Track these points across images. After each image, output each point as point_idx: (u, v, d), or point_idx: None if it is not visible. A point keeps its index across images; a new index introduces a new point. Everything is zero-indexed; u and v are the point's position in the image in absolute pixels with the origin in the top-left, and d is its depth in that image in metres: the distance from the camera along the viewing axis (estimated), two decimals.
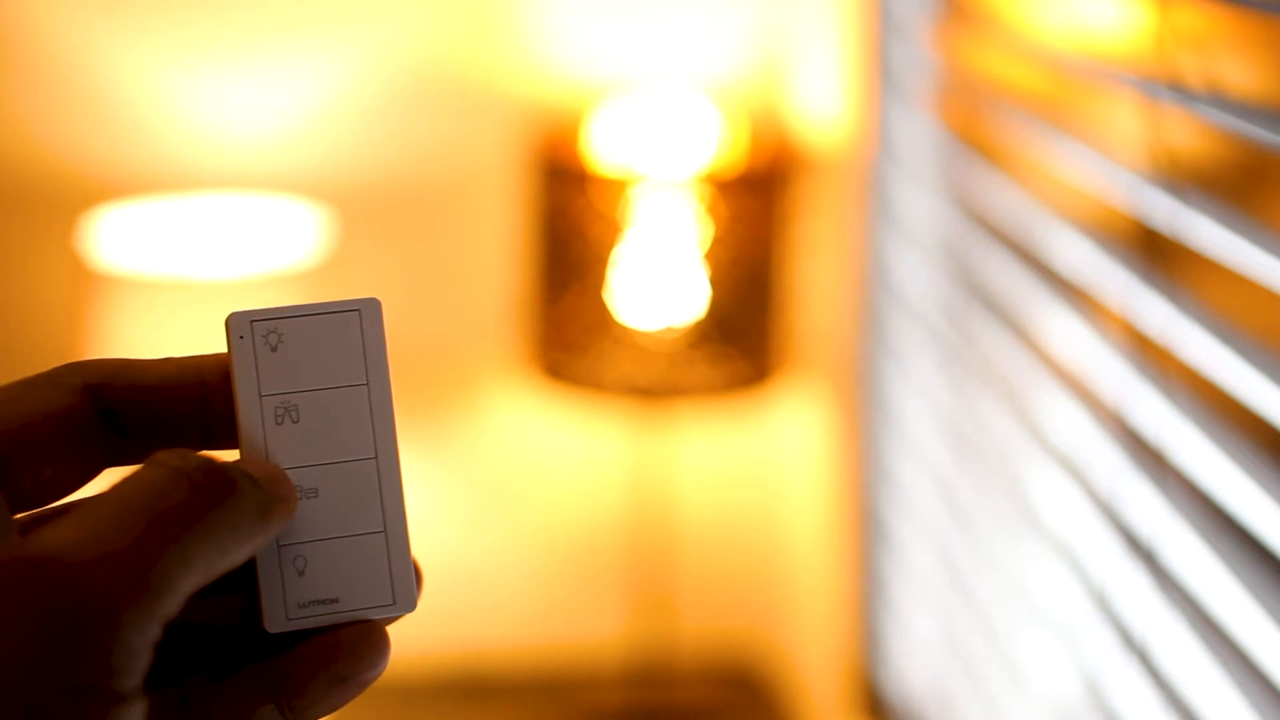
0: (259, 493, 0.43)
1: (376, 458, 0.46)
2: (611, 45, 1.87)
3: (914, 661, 1.52)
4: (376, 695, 1.93)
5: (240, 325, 0.45)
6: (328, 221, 1.82)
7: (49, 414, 0.44)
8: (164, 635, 0.41)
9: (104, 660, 0.38)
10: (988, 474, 1.30)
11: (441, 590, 1.97)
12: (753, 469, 2.02)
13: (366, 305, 0.46)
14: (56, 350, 1.81)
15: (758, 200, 1.75)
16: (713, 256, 1.74)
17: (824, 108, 1.71)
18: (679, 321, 1.75)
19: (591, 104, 1.82)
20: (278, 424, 0.45)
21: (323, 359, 0.46)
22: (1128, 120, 1.02)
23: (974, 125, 1.36)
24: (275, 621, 0.45)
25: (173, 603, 0.39)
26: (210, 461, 0.42)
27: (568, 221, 1.74)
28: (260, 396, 0.45)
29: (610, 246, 1.73)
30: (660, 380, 1.75)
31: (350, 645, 0.45)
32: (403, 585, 0.46)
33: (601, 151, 1.76)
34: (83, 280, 1.67)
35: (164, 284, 1.59)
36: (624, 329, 1.74)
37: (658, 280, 1.73)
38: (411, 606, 0.46)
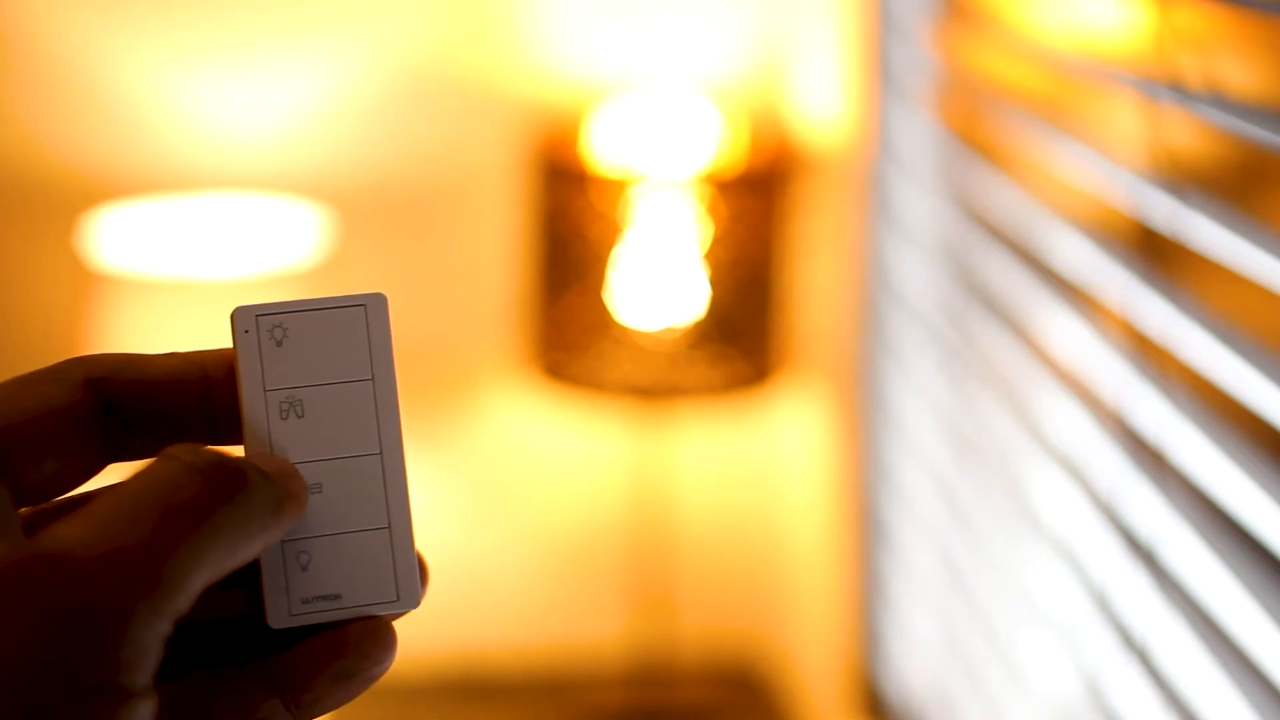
0: (271, 487, 0.42)
1: (381, 453, 0.46)
2: (611, 45, 1.87)
3: (914, 661, 1.52)
4: (376, 695, 1.92)
5: (245, 320, 0.45)
6: (328, 221, 1.82)
7: (51, 409, 0.44)
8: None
9: (113, 657, 0.38)
10: (988, 474, 1.30)
11: (441, 590, 1.97)
12: (753, 469, 2.02)
13: (372, 300, 0.46)
14: (56, 350, 1.81)
15: (758, 200, 1.75)
16: (713, 256, 1.74)
17: (824, 108, 1.71)
18: (679, 321, 1.75)
19: (591, 104, 1.82)
20: (282, 419, 0.45)
21: (328, 354, 0.46)
22: (1128, 120, 1.02)
23: (974, 125, 1.36)
24: (278, 617, 0.45)
25: (183, 599, 0.39)
26: (222, 456, 0.42)
27: (568, 221, 1.74)
28: (265, 391, 0.45)
29: (610, 246, 1.73)
30: (660, 380, 1.75)
31: (357, 641, 0.45)
32: (407, 581, 0.46)
33: (601, 151, 1.76)
34: (83, 280, 1.67)
35: (164, 284, 1.59)
36: (624, 329, 1.74)
37: (657, 280, 1.73)
38: (415, 603, 0.46)
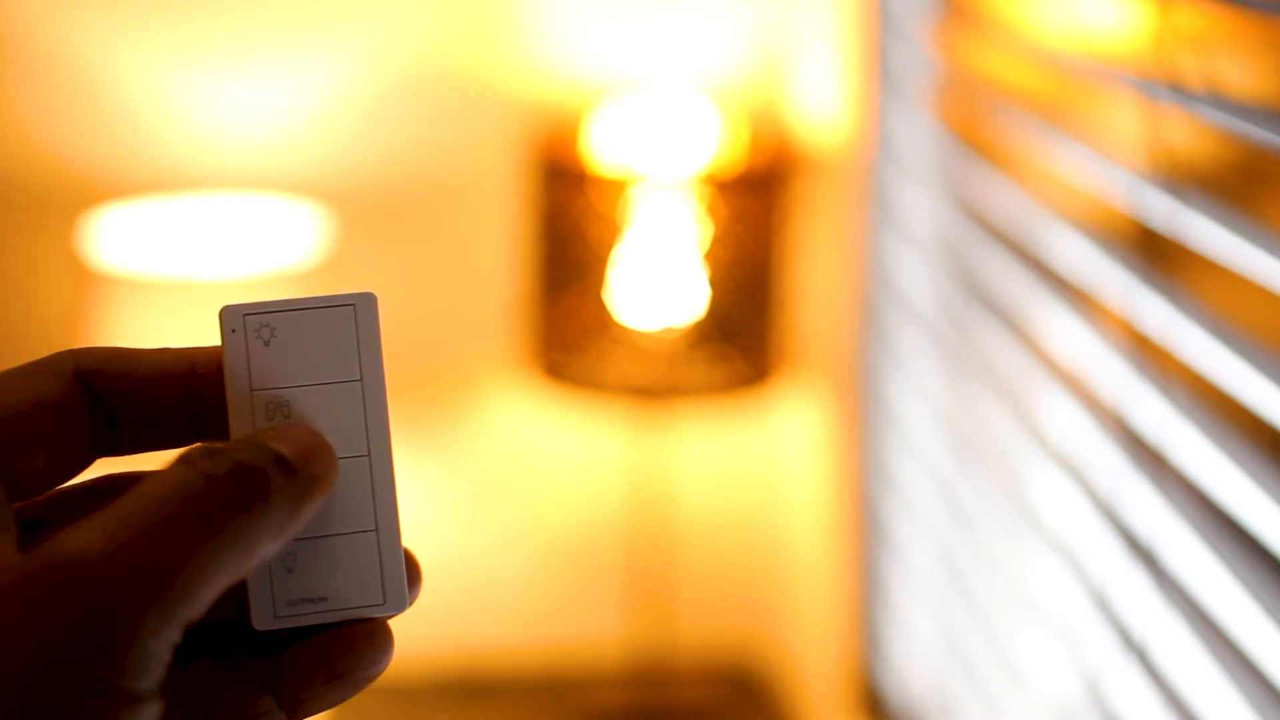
0: (293, 483, 0.42)
1: (369, 455, 0.45)
2: (611, 45, 1.87)
3: (914, 661, 1.52)
4: (376, 695, 1.92)
5: (233, 318, 0.45)
6: (328, 221, 1.82)
7: (42, 401, 0.43)
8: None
9: (119, 661, 0.38)
10: (988, 474, 1.30)
11: (441, 590, 1.97)
12: (753, 469, 2.02)
13: (362, 300, 0.45)
14: (56, 350, 1.80)
15: (757, 200, 1.75)
16: (712, 256, 1.74)
17: (824, 108, 1.71)
18: (679, 321, 1.75)
19: (591, 104, 1.82)
20: (269, 419, 0.45)
21: (316, 354, 0.45)
22: (1128, 120, 1.02)
23: (974, 125, 1.36)
24: (263, 619, 0.44)
25: (195, 607, 0.39)
26: (241, 461, 0.41)
27: (568, 221, 1.74)
28: (251, 391, 0.45)
29: (610, 246, 1.73)
30: (660, 380, 1.75)
31: (353, 643, 0.44)
32: (394, 585, 0.45)
33: (601, 151, 1.76)
34: (83, 280, 1.67)
35: (164, 284, 1.59)
36: (624, 329, 1.74)
37: (657, 280, 1.73)
38: (402, 607, 0.45)
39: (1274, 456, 0.85)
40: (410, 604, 0.45)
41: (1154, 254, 0.99)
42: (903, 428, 1.54)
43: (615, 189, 1.71)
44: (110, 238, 1.67)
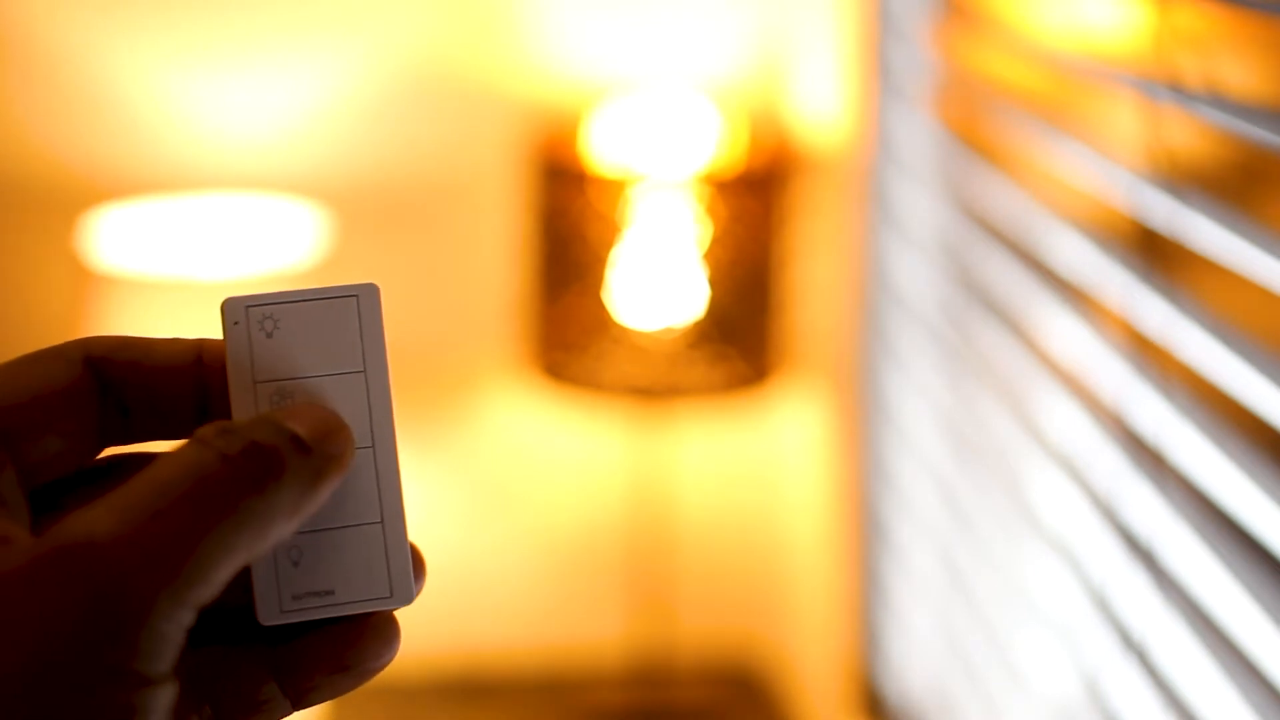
0: (308, 463, 0.42)
1: (374, 447, 0.45)
2: (611, 45, 1.87)
3: (914, 661, 1.52)
4: (376, 695, 1.91)
5: (235, 311, 0.45)
6: (327, 221, 1.82)
7: (54, 388, 0.43)
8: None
9: (131, 643, 0.38)
10: (988, 474, 1.30)
11: (441, 590, 1.97)
12: (753, 469, 2.02)
13: (365, 291, 0.45)
14: None
15: (757, 200, 1.75)
16: (712, 256, 1.74)
17: (824, 108, 1.71)
18: (678, 322, 1.75)
19: (591, 104, 1.82)
20: None
21: (319, 346, 0.45)
22: (1128, 120, 1.02)
23: (974, 125, 1.35)
24: (269, 614, 0.44)
25: (208, 589, 0.39)
26: (255, 439, 0.41)
27: (567, 221, 1.74)
28: (254, 383, 0.44)
29: (609, 246, 1.73)
30: (660, 380, 1.75)
31: (359, 636, 0.44)
32: (400, 577, 0.45)
33: (601, 151, 1.76)
34: (83, 280, 1.67)
35: (164, 284, 1.59)
36: (623, 329, 1.74)
37: (657, 280, 1.73)
38: (409, 599, 0.45)
39: (1274, 456, 0.85)
40: (416, 596, 0.45)
41: (1154, 254, 0.99)
42: (903, 428, 1.54)
43: (615, 189, 1.71)
44: (110, 238, 1.67)
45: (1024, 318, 1.21)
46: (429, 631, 1.98)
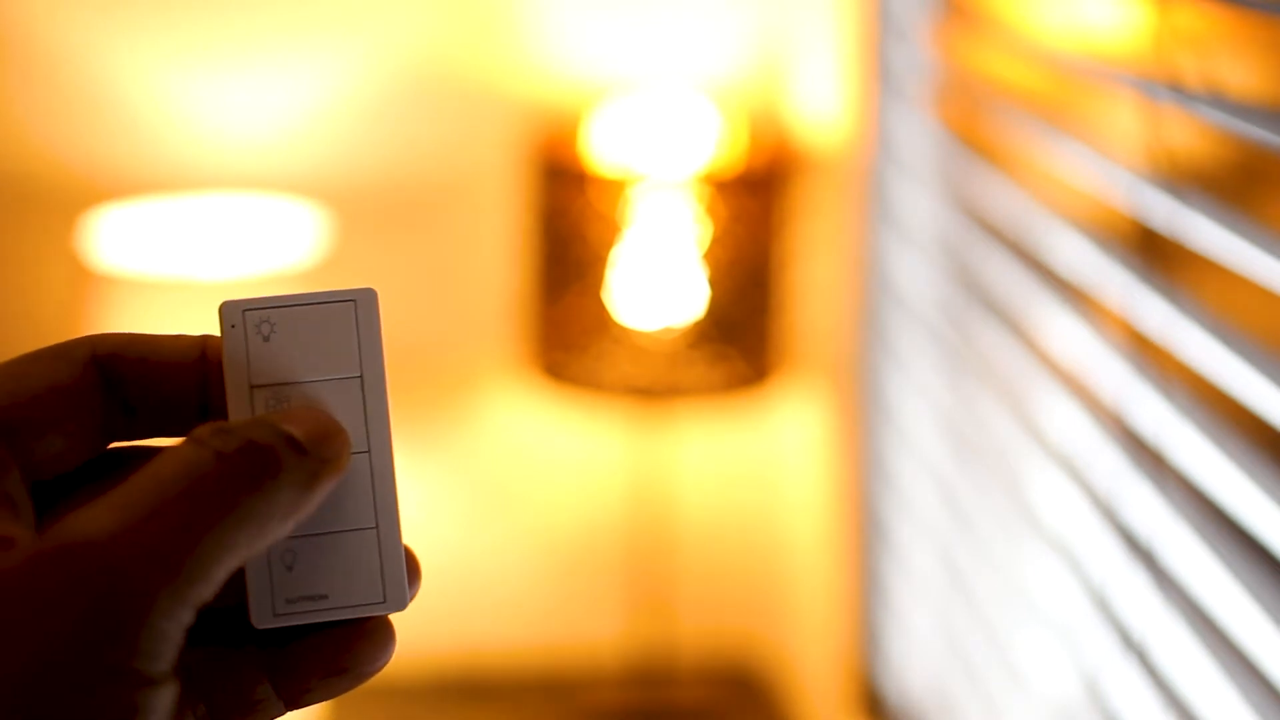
0: (304, 463, 0.42)
1: (369, 452, 0.45)
2: (611, 45, 1.87)
3: (914, 661, 1.52)
4: (377, 695, 1.91)
5: (232, 314, 0.45)
6: (327, 221, 1.82)
7: (58, 386, 0.43)
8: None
9: (132, 643, 0.38)
10: (988, 474, 1.30)
11: (441, 590, 1.97)
12: (753, 469, 2.02)
13: (362, 295, 0.45)
14: None
15: (757, 200, 1.75)
16: (712, 256, 1.74)
17: (824, 108, 1.71)
18: (678, 322, 1.75)
19: (591, 104, 1.82)
20: None
21: (316, 350, 0.45)
22: (1128, 120, 1.02)
23: (974, 125, 1.35)
24: (262, 617, 0.44)
25: (207, 588, 0.39)
26: (252, 438, 0.41)
27: (567, 221, 1.74)
28: (250, 387, 0.45)
29: (610, 246, 1.73)
30: (660, 380, 1.75)
31: (355, 640, 0.44)
32: (394, 583, 0.45)
33: (601, 151, 1.76)
34: (83, 280, 1.67)
35: (164, 284, 1.59)
36: (623, 329, 1.74)
37: (657, 280, 1.73)
38: (402, 605, 0.45)
39: (1274, 456, 0.85)
40: (410, 602, 0.45)
41: (1154, 254, 0.99)
42: (903, 428, 1.54)
43: (615, 189, 1.71)
44: (110, 238, 1.67)
45: (1024, 318, 1.21)
46: (429, 631, 1.98)
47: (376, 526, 0.45)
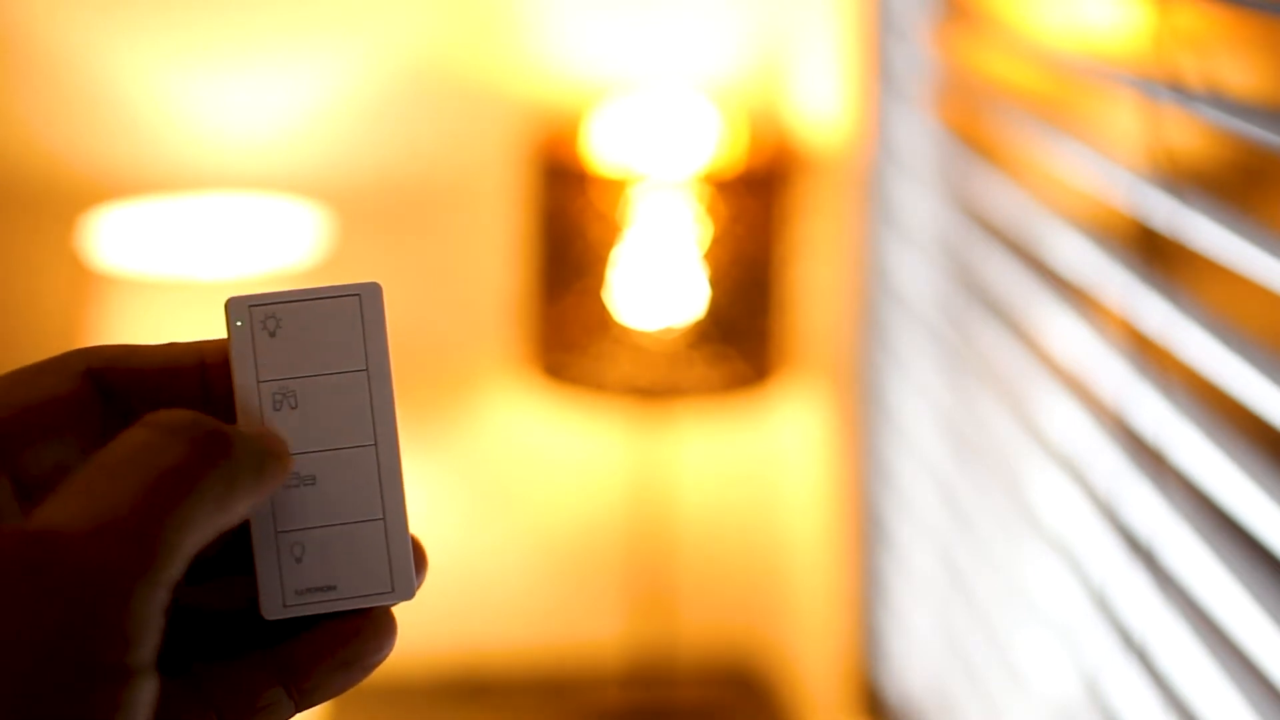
0: (255, 446, 0.42)
1: (376, 444, 0.45)
2: (611, 45, 1.87)
3: (914, 661, 1.52)
4: (376, 695, 1.91)
5: (238, 310, 0.45)
6: (328, 221, 1.82)
7: (52, 399, 0.43)
8: (173, 615, 0.40)
9: (118, 636, 0.37)
10: (988, 474, 1.30)
11: (441, 590, 1.97)
12: (753, 469, 2.02)
13: (367, 290, 0.46)
14: (56, 350, 1.80)
15: (757, 200, 1.75)
16: (712, 256, 1.74)
17: (824, 108, 1.71)
18: (678, 322, 1.75)
19: (591, 104, 1.82)
20: (276, 410, 0.45)
21: (322, 344, 0.45)
22: (1128, 120, 1.02)
23: (974, 125, 1.36)
24: (272, 609, 0.45)
25: (177, 567, 0.39)
26: (201, 418, 0.41)
27: (568, 221, 1.74)
28: (258, 382, 0.45)
29: (610, 246, 1.73)
30: (660, 380, 1.75)
31: (357, 630, 0.45)
32: (401, 573, 0.45)
33: (601, 151, 1.76)
34: (83, 280, 1.67)
35: (164, 284, 1.59)
36: (624, 329, 1.74)
37: (657, 280, 1.73)
38: (410, 595, 0.45)
39: (1274, 456, 0.85)
40: (417, 591, 0.46)
41: (1154, 254, 0.99)
42: (903, 428, 1.54)
43: (615, 189, 1.71)
44: (110, 238, 1.67)
45: (1024, 318, 1.21)
46: (429, 631, 1.98)
47: (384, 518, 0.46)
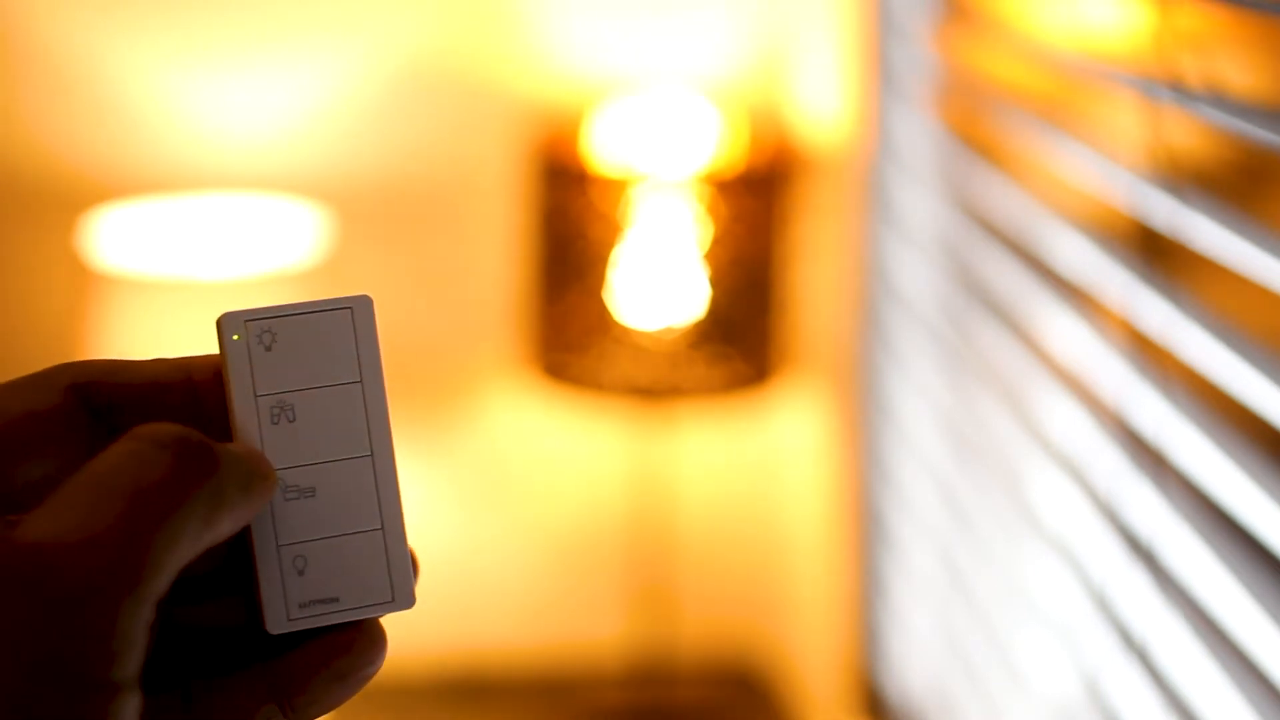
0: (240, 464, 0.42)
1: (372, 455, 0.46)
2: (611, 45, 1.87)
3: (914, 661, 1.52)
4: (376, 695, 1.92)
5: (233, 325, 0.45)
6: (328, 221, 1.82)
7: (34, 413, 0.43)
8: (165, 636, 0.40)
9: (104, 651, 0.37)
10: (988, 474, 1.30)
11: (441, 590, 1.97)
12: (753, 469, 2.02)
13: (358, 303, 0.46)
14: (56, 350, 1.81)
15: (757, 200, 1.75)
16: (712, 257, 1.74)
17: (824, 108, 1.71)
18: (679, 321, 1.75)
19: (592, 104, 1.82)
20: (273, 424, 0.45)
21: (316, 357, 0.46)
22: (1128, 120, 1.02)
23: (974, 125, 1.36)
24: (277, 623, 0.45)
25: (162, 581, 0.39)
26: (188, 433, 0.41)
27: (568, 221, 1.74)
28: (255, 397, 0.45)
29: (610, 246, 1.73)
30: (660, 380, 1.75)
31: (348, 642, 0.45)
32: (401, 581, 0.46)
33: (602, 151, 1.76)
34: (83, 280, 1.67)
35: (164, 284, 1.59)
36: (624, 329, 1.74)
37: (657, 280, 1.73)
38: (410, 603, 0.46)
39: (1274, 456, 0.85)
40: (415, 601, 0.46)
41: (1154, 254, 0.99)
42: (903, 428, 1.54)
43: (615, 189, 1.71)
44: (110, 238, 1.67)
45: (1024, 318, 1.21)
46: (429, 631, 1.98)
47: (382, 527, 0.46)
